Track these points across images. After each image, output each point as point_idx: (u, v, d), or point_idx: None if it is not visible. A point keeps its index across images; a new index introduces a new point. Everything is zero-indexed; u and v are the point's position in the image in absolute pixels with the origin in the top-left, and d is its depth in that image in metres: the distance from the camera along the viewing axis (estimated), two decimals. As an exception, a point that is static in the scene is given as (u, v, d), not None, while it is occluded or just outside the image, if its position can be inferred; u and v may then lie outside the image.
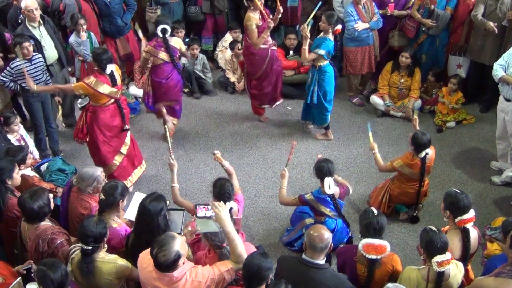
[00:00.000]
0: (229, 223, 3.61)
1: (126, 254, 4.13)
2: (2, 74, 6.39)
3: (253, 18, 6.81)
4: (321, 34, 6.76)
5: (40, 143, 6.84)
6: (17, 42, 6.27)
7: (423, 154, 5.38)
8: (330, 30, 6.63)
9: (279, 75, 7.42)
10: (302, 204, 5.24)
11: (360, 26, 7.39)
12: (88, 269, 3.82)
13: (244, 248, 3.67)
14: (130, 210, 4.67)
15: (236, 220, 4.61)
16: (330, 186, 5.00)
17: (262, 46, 6.97)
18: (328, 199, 5.08)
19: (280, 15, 6.78)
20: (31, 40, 6.55)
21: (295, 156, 7.01)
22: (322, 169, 5.05)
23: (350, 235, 5.40)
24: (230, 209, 4.49)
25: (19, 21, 7.02)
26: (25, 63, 6.31)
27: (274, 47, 7.18)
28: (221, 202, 3.78)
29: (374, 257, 3.91)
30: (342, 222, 5.28)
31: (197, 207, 3.74)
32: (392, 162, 5.62)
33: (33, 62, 6.37)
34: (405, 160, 5.51)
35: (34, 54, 6.45)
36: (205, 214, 3.71)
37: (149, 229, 3.85)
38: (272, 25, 6.80)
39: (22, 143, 6.02)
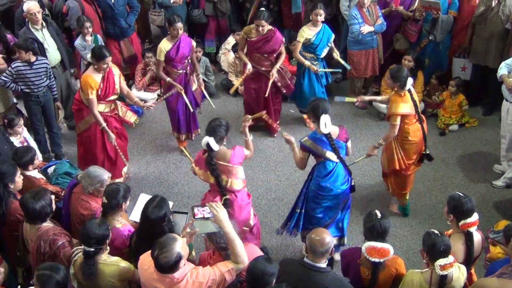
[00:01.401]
0: (227, 223, 3.63)
1: (129, 254, 4.14)
2: (4, 74, 6.42)
3: (248, 29, 6.90)
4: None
5: (40, 145, 6.85)
6: (16, 45, 6.29)
7: (408, 85, 5.42)
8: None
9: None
10: (304, 151, 5.04)
11: (366, 29, 7.40)
12: (90, 271, 3.81)
13: (243, 248, 3.68)
14: (136, 212, 4.66)
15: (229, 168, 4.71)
16: (326, 125, 4.85)
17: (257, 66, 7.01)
18: (324, 139, 4.92)
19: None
20: (34, 44, 6.57)
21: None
22: (318, 108, 4.90)
23: (352, 184, 5.19)
24: (207, 144, 4.59)
25: (26, 20, 7.04)
26: (25, 65, 6.34)
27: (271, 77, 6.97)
28: (218, 203, 3.79)
29: (377, 260, 3.91)
30: (343, 167, 5.05)
31: (195, 208, 3.76)
32: (392, 117, 5.50)
33: (33, 67, 6.38)
34: (396, 102, 5.43)
35: (40, 58, 6.48)
36: (203, 215, 3.72)
37: (153, 236, 3.80)
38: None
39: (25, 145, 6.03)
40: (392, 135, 5.58)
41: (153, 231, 3.84)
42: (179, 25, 6.45)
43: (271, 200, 6.38)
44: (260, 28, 6.66)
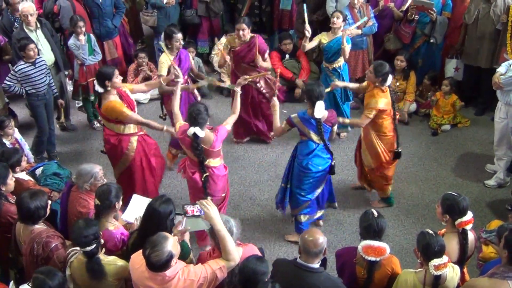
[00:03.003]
0: (218, 221, 3.66)
1: (123, 256, 4.11)
2: (7, 78, 6.40)
3: (231, 38, 6.76)
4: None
5: (41, 146, 6.86)
6: (23, 44, 6.27)
7: (388, 82, 5.59)
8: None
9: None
10: (289, 126, 5.39)
11: (353, 31, 7.39)
12: (99, 269, 3.78)
13: (235, 246, 3.70)
14: (128, 212, 4.64)
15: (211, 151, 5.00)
16: (320, 111, 5.11)
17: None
18: (312, 121, 5.20)
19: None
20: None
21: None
22: (314, 92, 5.12)
23: (332, 163, 5.47)
24: (194, 134, 4.82)
25: (13, 29, 7.01)
26: (28, 66, 6.33)
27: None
28: (209, 200, 3.81)
29: (373, 259, 3.91)
30: (323, 147, 5.36)
31: (186, 206, 3.79)
32: (369, 109, 5.58)
33: (36, 66, 6.40)
34: (378, 96, 5.56)
35: (38, 57, 6.47)
36: (194, 213, 3.75)
37: (157, 231, 3.78)
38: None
39: (17, 146, 5.99)
40: (361, 124, 5.74)
41: (159, 226, 3.81)
42: (180, 35, 6.22)
43: (264, 201, 6.37)
44: (241, 32, 6.51)
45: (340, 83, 6.35)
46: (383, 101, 5.56)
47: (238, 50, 6.70)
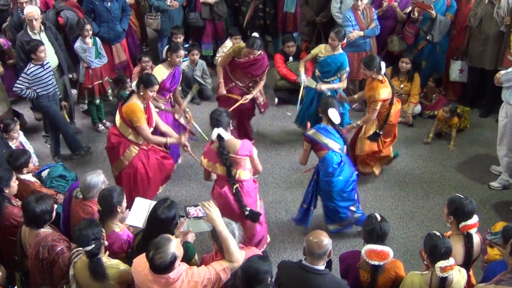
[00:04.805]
0: (220, 222, 3.67)
1: (128, 258, 4.12)
2: (18, 81, 6.41)
3: (238, 48, 6.59)
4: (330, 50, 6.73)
5: (69, 138, 6.98)
6: (34, 46, 6.29)
7: (383, 69, 5.91)
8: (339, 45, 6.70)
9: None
10: (308, 142, 5.43)
11: (354, 34, 7.38)
12: (101, 269, 3.78)
13: (237, 247, 3.71)
14: (132, 216, 4.64)
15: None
16: (336, 116, 5.37)
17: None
18: (329, 128, 5.37)
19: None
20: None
21: (295, 161, 6.99)
22: (328, 102, 5.42)
23: (357, 172, 5.66)
24: (218, 135, 4.74)
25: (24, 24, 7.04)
26: (38, 68, 6.37)
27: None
28: (211, 201, 3.82)
29: (377, 263, 3.90)
30: (347, 157, 5.49)
31: (188, 208, 3.80)
32: (374, 103, 5.91)
33: (45, 67, 6.44)
34: (378, 88, 5.86)
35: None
36: (196, 214, 3.76)
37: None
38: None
39: (22, 149, 6.02)
40: (372, 118, 6.03)
41: (160, 231, 3.79)
42: (183, 52, 6.19)
43: (269, 203, 6.36)
44: (252, 56, 6.45)
45: (324, 86, 6.68)
46: (384, 91, 5.87)
47: (241, 61, 6.57)
